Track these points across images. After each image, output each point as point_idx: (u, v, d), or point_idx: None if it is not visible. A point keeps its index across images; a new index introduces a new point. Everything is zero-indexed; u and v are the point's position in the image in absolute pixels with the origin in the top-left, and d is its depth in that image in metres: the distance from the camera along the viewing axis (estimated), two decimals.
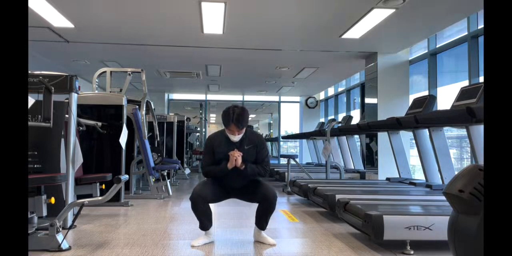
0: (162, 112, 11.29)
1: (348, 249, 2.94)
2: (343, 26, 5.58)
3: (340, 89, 11.12)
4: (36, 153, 3.55)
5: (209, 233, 3.10)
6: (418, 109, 4.56)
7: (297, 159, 6.60)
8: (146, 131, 5.74)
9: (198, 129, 12.72)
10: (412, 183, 4.97)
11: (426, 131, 4.69)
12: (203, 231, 3.10)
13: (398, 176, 5.55)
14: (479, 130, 3.72)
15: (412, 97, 6.90)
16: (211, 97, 13.00)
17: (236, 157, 2.95)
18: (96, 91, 5.80)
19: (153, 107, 6.74)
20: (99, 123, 4.73)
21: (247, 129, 3.08)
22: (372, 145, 7.33)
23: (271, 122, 18.07)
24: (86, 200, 2.89)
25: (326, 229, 3.64)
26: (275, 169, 7.94)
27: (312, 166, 9.41)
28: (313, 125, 11.84)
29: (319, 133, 7.94)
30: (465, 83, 5.50)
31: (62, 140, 3.68)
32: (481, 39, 5.30)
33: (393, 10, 4.90)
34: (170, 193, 5.89)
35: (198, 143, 12.46)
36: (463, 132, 4.64)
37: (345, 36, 6.01)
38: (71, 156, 3.52)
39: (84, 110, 4.96)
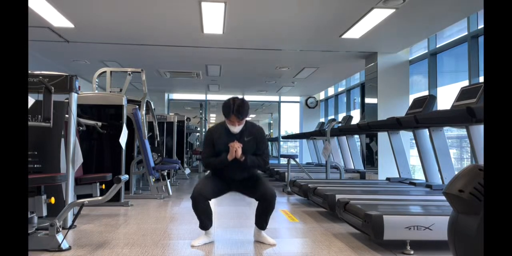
0: (162, 112, 11.30)
1: (348, 249, 2.94)
2: (343, 26, 5.58)
3: (340, 89, 11.12)
4: (36, 153, 3.55)
5: (209, 233, 3.10)
6: (418, 109, 4.56)
7: (297, 159, 6.60)
8: (146, 131, 5.74)
9: (198, 129, 12.72)
10: (412, 183, 4.97)
11: (426, 131, 4.69)
12: (203, 230, 3.10)
13: (398, 176, 5.55)
14: (479, 130, 3.72)
15: (412, 97, 6.90)
16: (211, 97, 13.00)
17: (236, 148, 2.95)
18: (96, 91, 5.80)
19: (153, 107, 6.74)
20: (99, 123, 4.73)
21: (247, 121, 3.10)
22: (372, 145, 7.33)
23: (271, 122, 18.08)
24: (86, 200, 2.89)
25: (326, 229, 3.64)
26: (275, 169, 7.94)
27: (312, 166, 9.41)
28: (313, 125, 11.85)
29: (319, 133, 7.94)
30: (465, 83, 5.50)
31: (62, 140, 3.68)
32: (481, 39, 5.30)
33: (393, 10, 4.90)
34: (170, 193, 5.89)
35: (198, 143, 12.46)
36: (463, 132, 4.65)
37: (345, 36, 6.01)
38: (71, 156, 3.52)
39: (84, 110, 4.96)
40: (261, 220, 3.09)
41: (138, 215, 4.31)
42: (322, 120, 12.43)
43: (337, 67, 8.31)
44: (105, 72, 5.78)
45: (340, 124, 7.20)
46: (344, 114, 10.17)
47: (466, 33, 5.57)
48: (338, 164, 6.85)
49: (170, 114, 10.13)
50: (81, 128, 4.27)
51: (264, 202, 3.03)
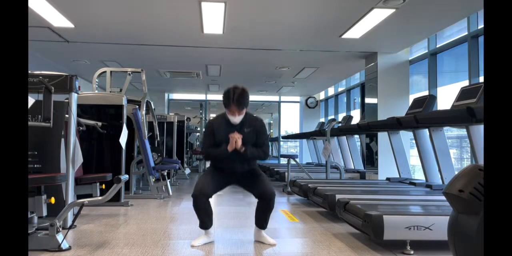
0: (162, 112, 11.30)
1: (348, 249, 2.94)
2: (343, 26, 5.58)
3: (340, 89, 11.12)
4: (36, 153, 3.55)
5: (209, 232, 3.10)
6: (418, 109, 4.56)
7: (297, 159, 6.60)
8: (146, 131, 5.74)
9: (198, 129, 12.72)
10: (412, 183, 4.97)
11: (426, 131, 4.68)
12: (203, 230, 3.09)
13: (398, 176, 5.55)
14: (479, 130, 3.72)
15: (412, 97, 6.90)
16: (211, 97, 13.00)
17: (236, 139, 2.94)
18: (96, 91, 5.80)
19: (153, 107, 6.74)
20: (99, 123, 4.73)
21: (247, 112, 3.09)
22: (372, 145, 7.33)
23: (271, 122, 18.08)
24: (86, 200, 2.89)
25: (326, 229, 3.64)
26: (275, 169, 7.94)
27: (312, 166, 9.41)
28: (313, 125, 11.84)
29: (319, 133, 7.94)
30: (465, 83, 5.50)
31: (62, 140, 3.68)
32: (481, 39, 5.30)
33: (393, 10, 4.90)
34: (170, 193, 5.89)
35: (198, 143, 12.47)
36: (463, 132, 4.64)
37: (345, 36, 6.01)
38: (71, 156, 3.52)
39: (84, 110, 4.96)
40: (261, 220, 3.08)
41: (138, 215, 4.31)
42: (322, 120, 12.43)
43: (337, 67, 8.31)
44: (105, 72, 5.78)
45: (340, 124, 7.20)
46: (344, 114, 10.17)
47: (466, 33, 5.57)
48: (338, 164, 6.85)
49: (170, 114, 10.13)
50: (81, 128, 4.27)
51: (263, 201, 3.03)
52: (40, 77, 3.21)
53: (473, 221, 1.67)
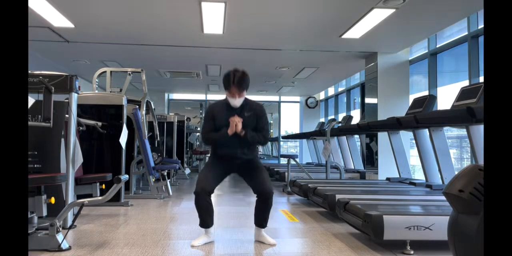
0: (162, 112, 11.30)
1: (348, 249, 2.94)
2: (343, 26, 5.58)
3: (340, 89, 11.12)
4: (36, 153, 3.55)
5: (209, 232, 3.10)
6: (418, 109, 4.56)
7: (297, 159, 6.60)
8: (146, 131, 5.74)
9: (198, 129, 12.72)
10: (412, 183, 4.97)
11: (426, 131, 4.68)
12: (203, 229, 3.09)
13: (398, 176, 5.55)
14: (479, 130, 3.72)
15: (412, 97, 6.90)
16: (211, 97, 13.00)
17: (236, 122, 2.94)
18: (96, 91, 5.80)
19: (153, 107, 6.74)
20: (99, 123, 4.73)
21: (247, 98, 3.09)
22: (372, 145, 7.33)
23: (271, 122, 18.08)
24: (86, 200, 2.89)
25: (326, 229, 3.64)
26: (275, 169, 7.94)
27: (312, 166, 9.40)
28: (313, 125, 11.84)
29: (319, 133, 7.93)
30: (465, 83, 5.50)
31: (62, 140, 3.68)
32: (481, 39, 5.30)
33: (393, 10, 4.90)
34: (170, 193, 5.89)
35: (198, 143, 12.47)
36: (463, 132, 4.64)
37: (345, 36, 6.01)
38: (71, 156, 3.52)
39: (84, 110, 4.96)
40: (260, 219, 3.08)
41: (138, 215, 4.31)
42: (322, 120, 12.43)
43: (337, 67, 8.31)
44: (105, 72, 5.78)
45: (340, 124, 7.20)
46: (344, 114, 10.17)
47: (466, 33, 5.57)
48: (338, 164, 6.85)
49: (170, 114, 10.12)
50: (81, 128, 4.27)
51: (261, 199, 3.03)
52: (40, 77, 3.21)
53: (473, 221, 1.67)
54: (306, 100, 12.81)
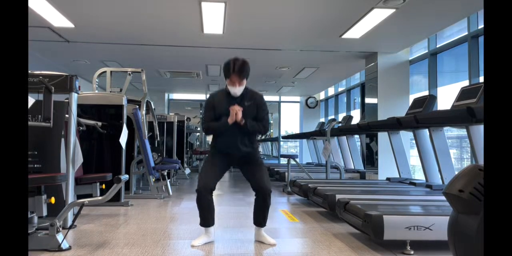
0: (162, 112, 11.29)
1: (348, 249, 2.94)
2: (343, 26, 5.58)
3: (340, 89, 11.12)
4: (36, 153, 3.55)
5: (209, 232, 3.10)
6: (418, 109, 4.56)
7: (297, 159, 6.60)
8: (146, 131, 5.74)
9: (198, 129, 12.72)
10: (412, 183, 4.97)
11: (426, 131, 4.68)
12: (203, 228, 3.09)
13: (398, 176, 5.55)
14: (479, 130, 3.72)
15: (412, 97, 6.90)
16: None
17: (237, 111, 2.94)
18: (96, 91, 5.80)
19: (153, 107, 6.74)
20: (99, 123, 4.73)
21: (247, 87, 3.09)
22: (372, 145, 7.33)
23: (271, 122, 18.09)
24: (86, 200, 2.89)
25: (326, 229, 3.64)
26: (275, 169, 7.94)
27: (312, 166, 9.41)
28: (313, 125, 11.84)
29: (319, 133, 7.94)
30: (465, 83, 5.50)
31: (62, 140, 3.68)
32: (481, 39, 5.30)
33: (393, 10, 4.90)
34: (170, 193, 5.89)
35: (198, 143, 12.47)
36: (463, 132, 4.64)
37: (345, 36, 6.01)
38: (71, 156, 3.52)
39: (84, 110, 4.96)
40: (259, 217, 3.08)
41: (138, 215, 4.31)
42: (322, 120, 12.43)
43: (337, 67, 8.31)
44: (105, 72, 5.78)
45: (340, 124, 7.20)
46: (344, 114, 10.17)
47: (466, 33, 5.57)
48: (338, 164, 6.85)
49: (170, 114, 10.12)
50: (81, 128, 4.27)
51: (260, 197, 3.03)
52: (40, 77, 3.21)
53: (473, 221, 1.67)
54: (306, 100, 12.81)
